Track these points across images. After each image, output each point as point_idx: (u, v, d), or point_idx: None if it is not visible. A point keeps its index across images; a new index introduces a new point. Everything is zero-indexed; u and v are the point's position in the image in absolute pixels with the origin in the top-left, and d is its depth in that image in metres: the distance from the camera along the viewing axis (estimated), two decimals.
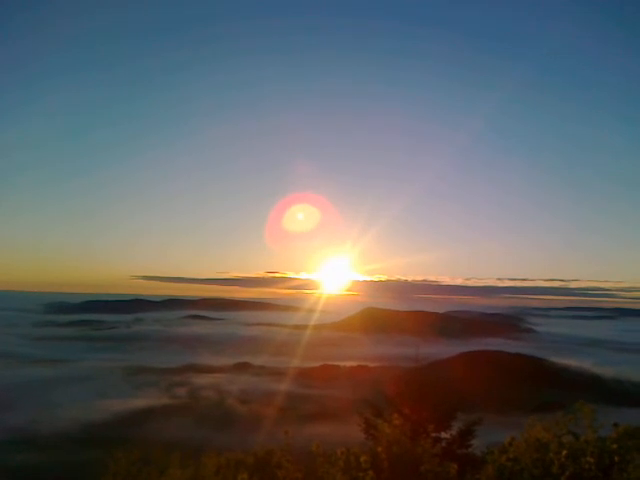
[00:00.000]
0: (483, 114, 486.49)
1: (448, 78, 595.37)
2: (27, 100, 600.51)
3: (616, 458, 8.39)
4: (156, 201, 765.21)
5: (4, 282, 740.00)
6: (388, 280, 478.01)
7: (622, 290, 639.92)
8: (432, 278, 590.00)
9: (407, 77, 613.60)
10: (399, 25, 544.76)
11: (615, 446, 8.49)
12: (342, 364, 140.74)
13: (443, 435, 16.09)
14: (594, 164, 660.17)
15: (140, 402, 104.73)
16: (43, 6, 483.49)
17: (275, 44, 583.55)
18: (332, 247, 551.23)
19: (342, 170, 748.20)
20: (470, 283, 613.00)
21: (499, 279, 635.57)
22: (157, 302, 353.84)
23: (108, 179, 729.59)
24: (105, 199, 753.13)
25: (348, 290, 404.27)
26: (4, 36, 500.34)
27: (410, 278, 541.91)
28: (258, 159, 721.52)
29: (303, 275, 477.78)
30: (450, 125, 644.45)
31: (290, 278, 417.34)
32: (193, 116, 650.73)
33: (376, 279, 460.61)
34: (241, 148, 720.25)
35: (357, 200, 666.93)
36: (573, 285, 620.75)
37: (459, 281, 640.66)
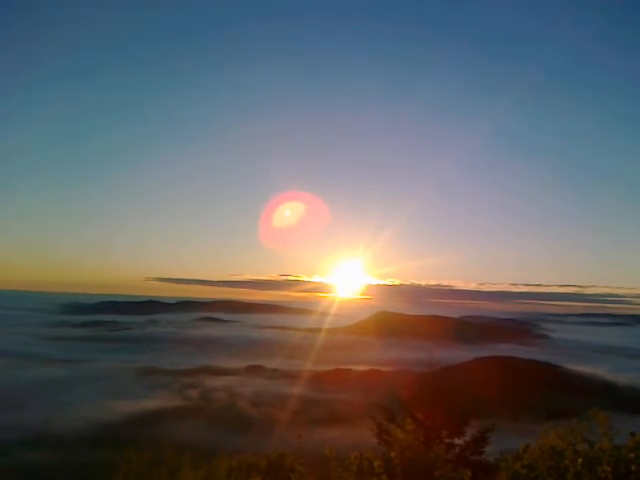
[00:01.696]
0: (494, 117, 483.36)
1: (459, 81, 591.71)
2: (44, 102, 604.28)
3: (633, 467, 8.29)
4: (170, 203, 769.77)
5: (20, 282, 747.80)
6: (401, 284, 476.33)
7: (637, 297, 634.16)
8: (445, 282, 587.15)
9: (418, 81, 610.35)
10: (403, 28, 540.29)
11: (632, 455, 8.39)
12: (355, 368, 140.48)
13: (456, 441, 15.95)
14: (609, 168, 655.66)
15: (152, 403, 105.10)
16: (43, 11, 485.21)
17: (274, 48, 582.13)
18: (345, 250, 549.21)
19: (353, 174, 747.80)
20: (484, 288, 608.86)
21: (513, 284, 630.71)
22: (171, 304, 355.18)
23: (122, 181, 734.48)
24: (119, 201, 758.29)
25: (361, 294, 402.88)
26: (5, 41, 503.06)
27: (423, 282, 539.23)
28: (270, 161, 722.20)
29: (316, 278, 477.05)
30: (462, 128, 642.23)
31: (303, 281, 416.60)
32: (203, 118, 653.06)
33: (389, 283, 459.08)
34: (253, 150, 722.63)
35: (369, 203, 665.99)
36: (588, 291, 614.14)
37: (473, 286, 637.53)
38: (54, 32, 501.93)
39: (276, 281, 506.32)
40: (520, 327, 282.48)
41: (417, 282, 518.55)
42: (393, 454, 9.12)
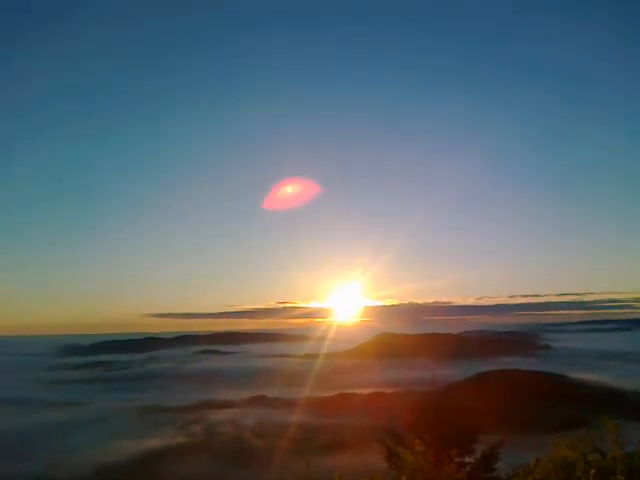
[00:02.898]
0: (489, 136, 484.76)
1: (452, 95, 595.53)
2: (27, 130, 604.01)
3: None
4: (162, 240, 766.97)
5: (15, 327, 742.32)
6: (400, 304, 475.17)
7: (637, 300, 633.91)
8: (444, 299, 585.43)
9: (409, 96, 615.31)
10: (405, 31, 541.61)
11: None
12: (359, 392, 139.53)
13: (467, 459, 15.78)
14: (601, 175, 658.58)
15: (156, 442, 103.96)
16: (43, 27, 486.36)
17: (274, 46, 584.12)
18: (342, 275, 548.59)
19: (350, 197, 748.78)
20: (482, 302, 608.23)
21: (511, 296, 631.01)
22: (169, 339, 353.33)
23: (113, 217, 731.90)
24: (110, 241, 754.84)
25: (360, 316, 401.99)
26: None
27: (422, 301, 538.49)
28: (262, 188, 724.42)
29: (314, 304, 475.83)
30: (452, 150, 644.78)
31: (301, 307, 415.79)
32: (198, 153, 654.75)
33: (388, 304, 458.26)
34: (246, 180, 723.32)
35: (365, 227, 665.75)
36: (587, 298, 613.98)
37: (471, 301, 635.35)
38: (49, 48, 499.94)
39: (274, 309, 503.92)
40: (521, 339, 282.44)
41: (415, 301, 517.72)
42: (404, 478, 9.02)
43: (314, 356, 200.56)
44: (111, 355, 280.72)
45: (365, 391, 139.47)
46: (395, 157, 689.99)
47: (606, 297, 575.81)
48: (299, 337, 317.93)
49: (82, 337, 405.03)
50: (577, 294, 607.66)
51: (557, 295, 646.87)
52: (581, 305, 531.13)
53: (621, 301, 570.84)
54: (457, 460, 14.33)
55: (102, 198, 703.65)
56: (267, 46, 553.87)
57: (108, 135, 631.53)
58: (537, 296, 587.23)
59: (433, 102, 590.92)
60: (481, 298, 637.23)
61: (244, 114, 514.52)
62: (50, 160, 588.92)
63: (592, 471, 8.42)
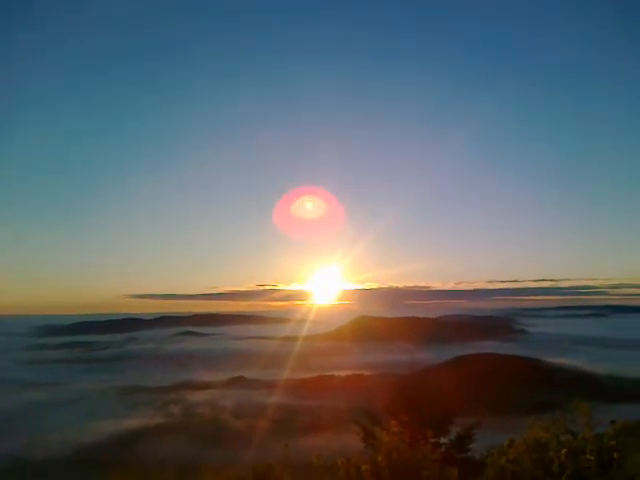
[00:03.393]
0: (468, 124, 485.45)
1: (439, 82, 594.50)
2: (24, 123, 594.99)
3: (615, 455, 8.44)
4: (143, 220, 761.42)
5: None
6: (379, 288, 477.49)
7: (612, 287, 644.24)
8: (423, 284, 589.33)
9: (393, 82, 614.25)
10: (403, 25, 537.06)
11: (614, 443, 8.54)
12: (337, 374, 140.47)
13: (442, 440, 16.06)
14: (577, 161, 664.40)
15: (134, 422, 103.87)
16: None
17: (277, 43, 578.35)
18: (322, 258, 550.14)
19: (332, 183, 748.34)
20: (461, 287, 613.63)
21: (489, 281, 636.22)
22: (149, 320, 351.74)
23: (93, 199, 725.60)
24: (89, 220, 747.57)
25: (339, 299, 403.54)
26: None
27: (401, 285, 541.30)
28: (246, 172, 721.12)
29: (294, 286, 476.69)
30: (436, 136, 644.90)
31: (281, 290, 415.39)
32: (181, 137, 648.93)
33: (367, 287, 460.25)
34: (228, 163, 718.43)
35: (347, 210, 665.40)
36: (563, 284, 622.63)
37: (450, 285, 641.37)
38: (47, 51, 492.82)
39: (254, 291, 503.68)
40: (498, 323, 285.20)
41: (395, 285, 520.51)
42: (380, 457, 9.15)
43: (293, 338, 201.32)
44: (90, 336, 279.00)
45: (343, 373, 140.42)
46: (376, 142, 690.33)
47: (582, 283, 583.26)
48: (279, 319, 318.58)
49: (61, 317, 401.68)
50: (554, 280, 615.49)
51: (534, 281, 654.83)
52: (557, 291, 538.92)
53: (596, 287, 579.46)
54: (433, 441, 14.58)
55: (84, 180, 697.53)
56: None
57: (90, 117, 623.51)
58: (515, 282, 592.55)
59: (419, 86, 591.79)
60: (460, 283, 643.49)
61: (226, 98, 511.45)
62: (29, 140, 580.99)
63: (564, 451, 8.63)
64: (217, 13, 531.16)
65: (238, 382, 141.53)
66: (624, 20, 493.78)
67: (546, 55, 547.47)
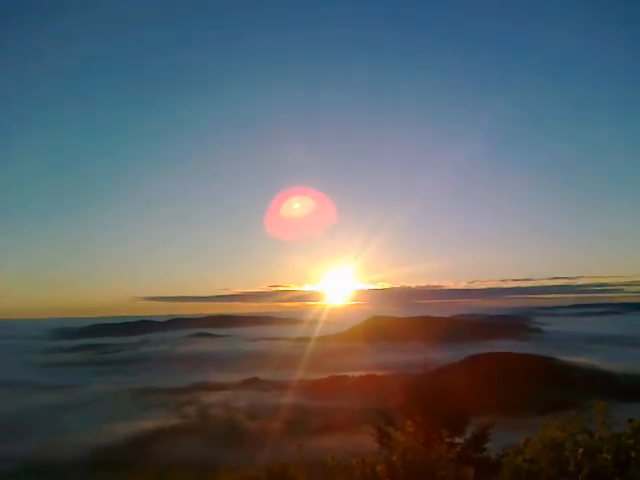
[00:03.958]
0: (482, 122, 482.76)
1: (449, 83, 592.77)
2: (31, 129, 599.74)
3: (632, 454, 8.36)
4: (156, 222, 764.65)
5: (7, 311, 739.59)
6: (392, 287, 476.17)
7: (628, 285, 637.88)
8: (435, 283, 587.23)
9: (402, 81, 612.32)
10: (404, 28, 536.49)
11: (631, 442, 8.46)
12: (350, 374, 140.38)
13: (457, 440, 16.00)
14: (592, 161, 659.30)
15: (149, 423, 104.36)
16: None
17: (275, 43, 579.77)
18: (335, 258, 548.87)
19: (343, 182, 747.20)
20: (474, 286, 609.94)
21: (503, 280, 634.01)
22: (162, 322, 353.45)
23: (105, 202, 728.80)
24: (102, 223, 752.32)
25: (352, 300, 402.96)
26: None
27: (414, 284, 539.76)
28: (256, 175, 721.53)
29: (307, 287, 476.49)
30: (448, 134, 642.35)
31: (294, 291, 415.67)
32: (190, 137, 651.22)
33: (380, 287, 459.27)
34: (238, 165, 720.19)
35: (359, 210, 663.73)
36: (578, 282, 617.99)
37: (463, 285, 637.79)
38: (45, 55, 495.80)
39: (266, 292, 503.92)
40: (512, 322, 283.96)
41: (407, 284, 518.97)
42: (395, 457, 9.13)
43: (306, 339, 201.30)
44: (104, 338, 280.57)
45: (357, 374, 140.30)
46: (387, 142, 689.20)
47: (597, 281, 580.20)
48: (291, 320, 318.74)
49: (75, 320, 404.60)
50: (568, 278, 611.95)
51: (548, 279, 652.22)
52: (572, 289, 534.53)
53: (611, 285, 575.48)
54: (448, 440, 14.53)
55: (95, 182, 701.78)
56: None
57: (95, 119, 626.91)
58: (529, 280, 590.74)
59: (428, 85, 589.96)
60: (473, 282, 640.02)
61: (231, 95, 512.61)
62: (37, 144, 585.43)
63: (580, 450, 8.57)
64: (217, 13, 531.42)
65: (252, 383, 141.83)
66: None
67: (561, 49, 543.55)
